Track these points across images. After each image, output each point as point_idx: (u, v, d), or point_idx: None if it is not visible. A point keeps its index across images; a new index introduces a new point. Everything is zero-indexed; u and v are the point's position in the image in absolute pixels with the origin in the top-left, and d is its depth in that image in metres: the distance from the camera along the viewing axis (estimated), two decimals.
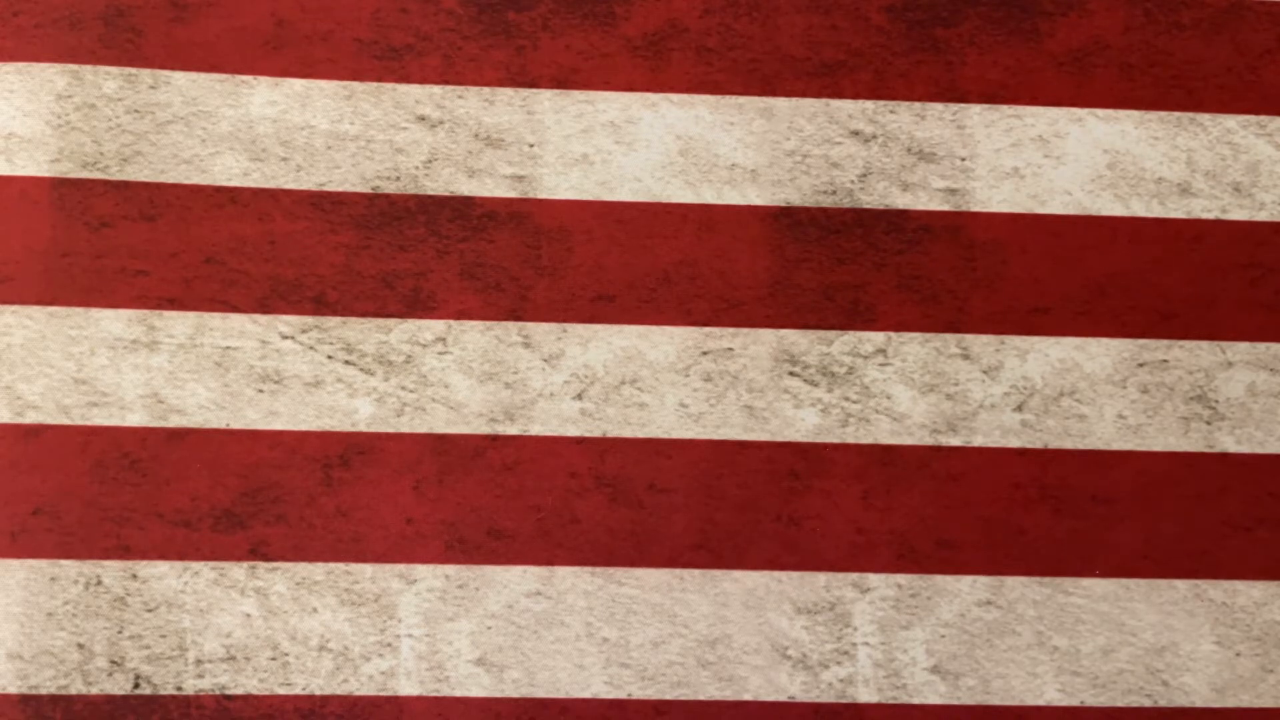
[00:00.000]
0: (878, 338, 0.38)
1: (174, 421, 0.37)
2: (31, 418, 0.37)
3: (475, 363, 0.37)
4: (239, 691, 0.36)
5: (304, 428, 0.37)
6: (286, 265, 0.38)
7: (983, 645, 0.36)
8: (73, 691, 0.36)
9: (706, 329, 0.38)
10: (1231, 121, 0.39)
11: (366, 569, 0.36)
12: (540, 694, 0.36)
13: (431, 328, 0.37)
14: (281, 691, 0.36)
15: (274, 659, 0.36)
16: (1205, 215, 0.39)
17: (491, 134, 0.38)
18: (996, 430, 0.36)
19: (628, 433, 0.37)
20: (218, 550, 0.36)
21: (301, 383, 0.37)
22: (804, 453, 0.37)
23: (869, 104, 0.39)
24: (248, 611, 0.36)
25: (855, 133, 0.39)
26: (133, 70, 0.38)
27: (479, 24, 0.39)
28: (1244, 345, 0.37)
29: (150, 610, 0.36)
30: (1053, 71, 0.39)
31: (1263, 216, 0.39)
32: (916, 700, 0.36)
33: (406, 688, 0.36)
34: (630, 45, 0.39)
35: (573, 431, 0.37)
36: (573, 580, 0.36)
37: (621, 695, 0.36)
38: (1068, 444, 0.36)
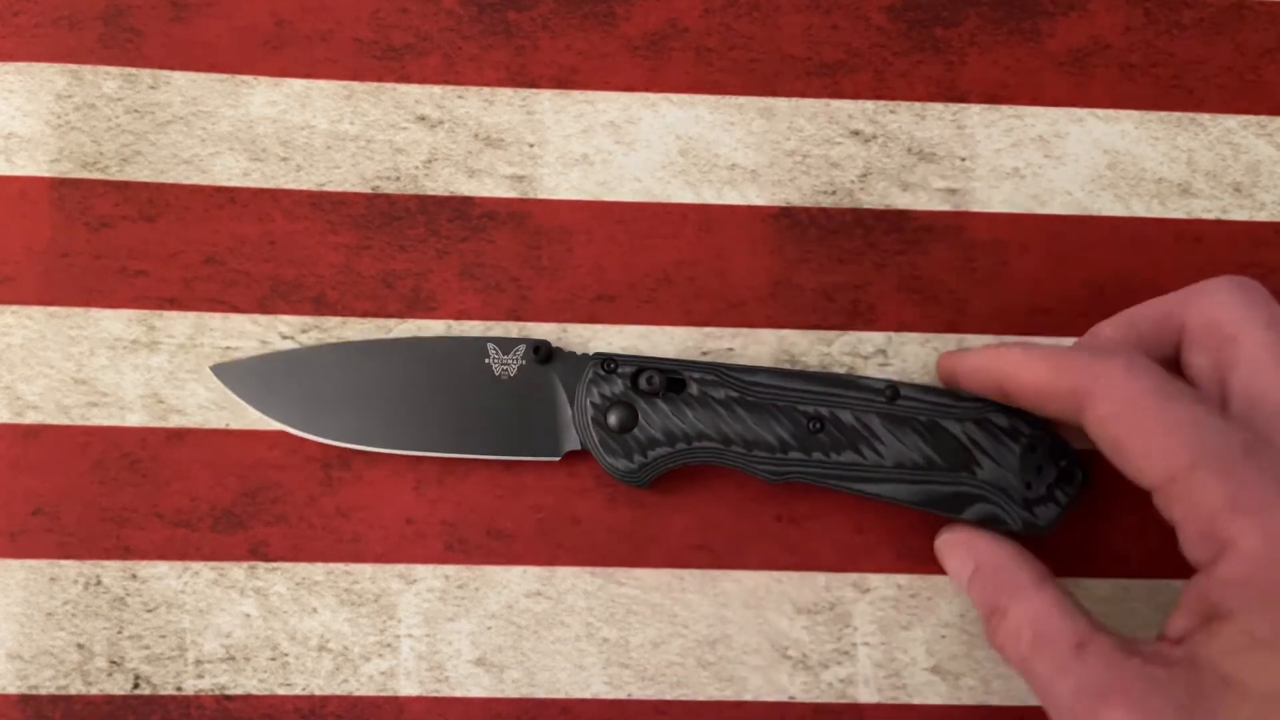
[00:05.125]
0: (878, 338, 0.38)
1: (174, 421, 0.37)
2: (31, 418, 0.37)
3: None
4: (239, 691, 0.36)
5: None
6: (286, 265, 0.38)
7: (983, 645, 0.36)
8: (73, 691, 0.36)
9: (706, 329, 0.38)
10: (1232, 121, 0.39)
11: (366, 569, 0.36)
12: (540, 694, 0.36)
13: (431, 328, 0.37)
14: (281, 691, 0.36)
15: (274, 659, 0.36)
16: (1205, 215, 0.39)
17: (491, 134, 0.38)
18: None
19: None
20: (218, 550, 0.36)
21: None
22: None
23: (869, 104, 0.39)
24: (247, 611, 0.36)
25: (855, 133, 0.39)
26: (133, 70, 0.38)
27: (479, 24, 0.39)
28: None
29: (150, 610, 0.36)
30: (1053, 71, 0.39)
31: (1263, 216, 0.39)
32: (917, 700, 0.36)
33: (406, 688, 0.36)
34: (630, 45, 0.39)
35: None
36: (573, 580, 0.36)
37: (622, 695, 0.36)
38: None
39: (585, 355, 0.36)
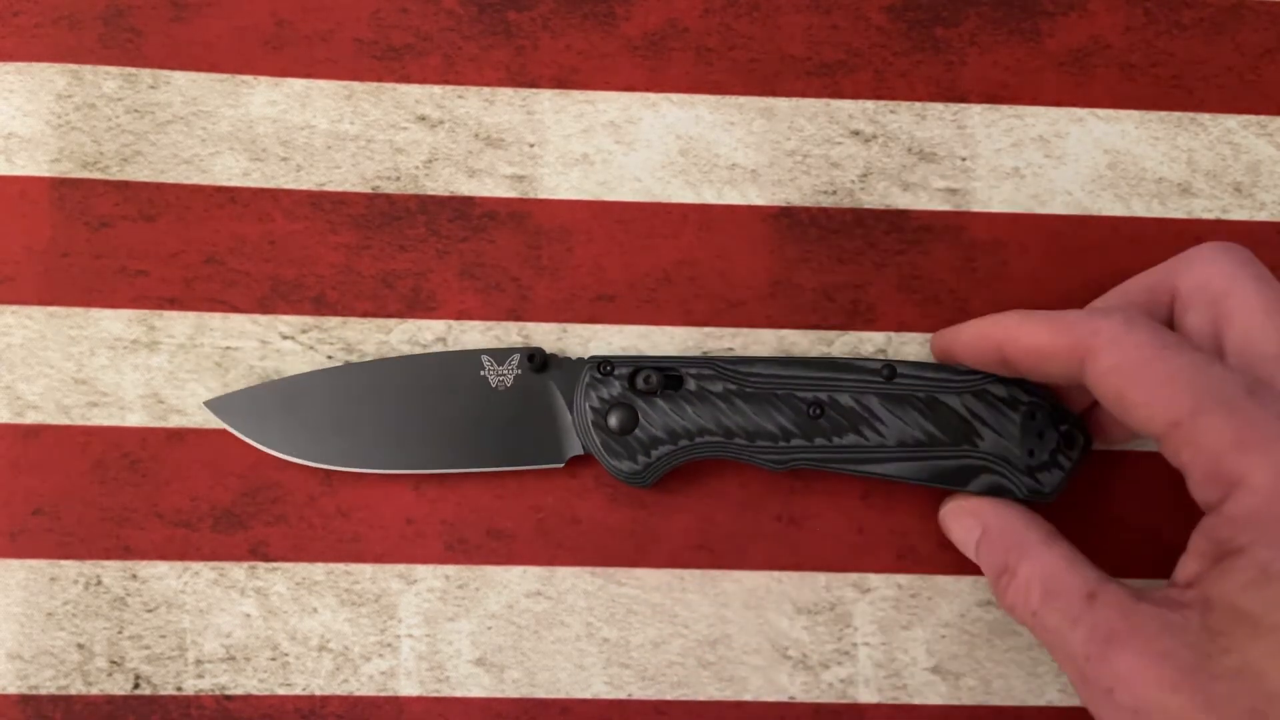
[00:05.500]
0: (878, 338, 0.38)
1: (174, 421, 0.37)
2: (31, 418, 0.37)
3: None
4: (239, 691, 0.36)
5: None
6: (286, 265, 0.38)
7: (983, 645, 0.36)
8: (73, 691, 0.36)
9: (706, 329, 0.38)
10: (1231, 121, 0.39)
11: (366, 569, 0.36)
12: (540, 694, 0.36)
13: (431, 328, 0.37)
14: (281, 691, 0.36)
15: (274, 659, 0.36)
16: (1205, 215, 0.39)
17: (491, 134, 0.38)
18: None
19: None
20: (218, 550, 0.36)
21: None
22: None
23: (869, 104, 0.39)
24: (248, 611, 0.36)
25: (855, 133, 0.39)
26: (133, 70, 0.38)
27: (479, 24, 0.39)
28: None
29: (150, 610, 0.36)
30: (1053, 71, 0.39)
31: (1263, 216, 0.39)
32: (917, 700, 0.36)
33: (406, 688, 0.36)
34: (630, 45, 0.39)
35: None
36: (573, 580, 0.36)
37: (622, 695, 0.36)
38: None
39: (580, 359, 0.36)
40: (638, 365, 0.35)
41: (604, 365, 0.35)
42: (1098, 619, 0.28)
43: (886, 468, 0.34)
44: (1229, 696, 0.25)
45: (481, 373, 0.35)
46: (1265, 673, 0.24)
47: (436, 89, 0.39)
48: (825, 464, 0.34)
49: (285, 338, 0.37)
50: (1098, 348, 0.29)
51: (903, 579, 0.37)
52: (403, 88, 0.39)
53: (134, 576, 0.36)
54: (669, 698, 0.36)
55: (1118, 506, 0.37)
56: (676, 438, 0.35)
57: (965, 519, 0.33)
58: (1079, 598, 0.29)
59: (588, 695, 0.36)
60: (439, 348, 0.37)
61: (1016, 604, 0.31)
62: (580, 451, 0.35)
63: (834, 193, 0.38)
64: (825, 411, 0.34)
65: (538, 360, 0.35)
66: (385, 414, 0.35)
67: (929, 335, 0.37)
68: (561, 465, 0.36)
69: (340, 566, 0.36)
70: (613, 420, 0.35)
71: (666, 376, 0.35)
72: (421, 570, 0.36)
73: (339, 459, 0.35)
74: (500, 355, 0.36)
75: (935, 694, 0.36)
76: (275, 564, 0.36)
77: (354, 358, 0.37)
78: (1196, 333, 0.31)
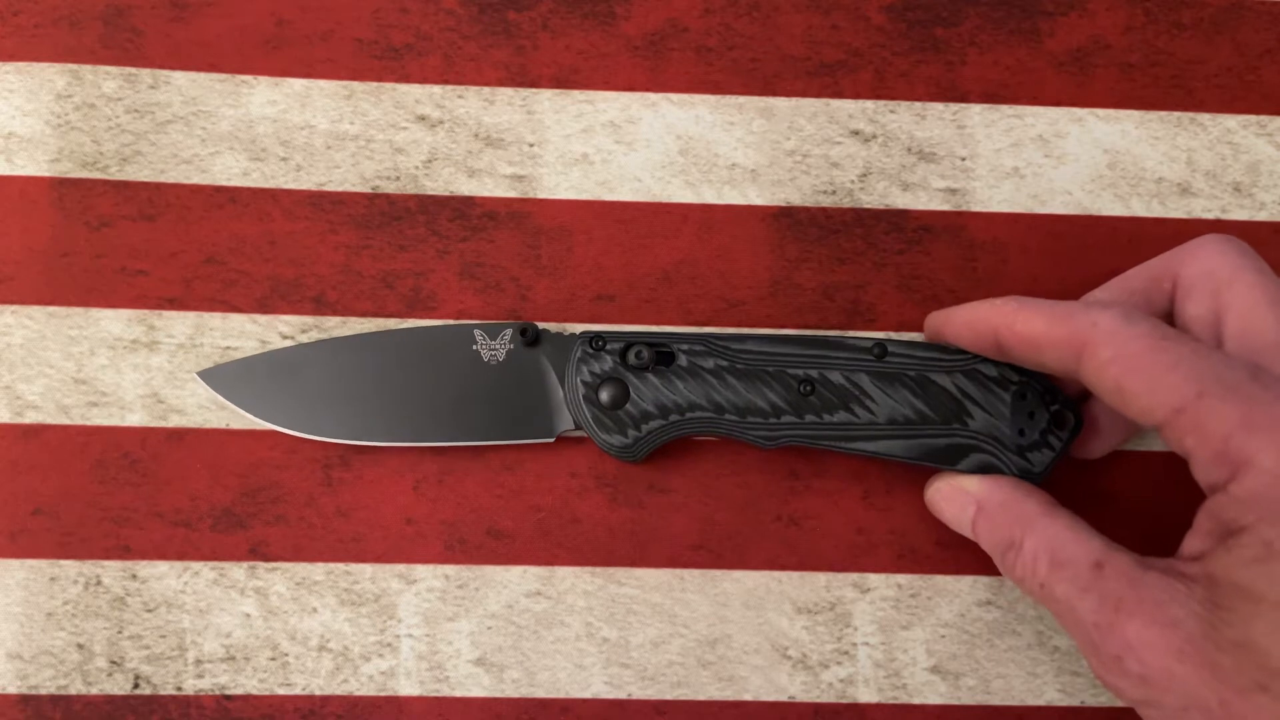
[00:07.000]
0: (877, 337, 0.38)
1: (174, 421, 0.37)
2: (31, 418, 0.37)
3: None
4: (239, 691, 0.36)
5: None
6: (286, 265, 0.38)
7: (983, 645, 0.36)
8: (72, 691, 0.36)
9: (706, 328, 0.38)
10: (1231, 121, 0.39)
11: (366, 569, 0.36)
12: (540, 694, 0.36)
13: None
14: (281, 691, 0.36)
15: (274, 659, 0.36)
16: (1205, 215, 0.39)
17: (491, 134, 0.38)
18: None
19: None
20: (218, 550, 0.36)
21: None
22: (804, 452, 0.37)
23: (869, 104, 0.39)
24: (247, 611, 0.36)
25: (855, 132, 0.39)
26: (133, 70, 0.38)
27: (479, 24, 0.39)
28: None
29: (150, 610, 0.36)
30: (1053, 71, 0.39)
31: (1263, 216, 0.39)
32: (916, 700, 0.36)
33: (406, 688, 0.36)
34: (630, 45, 0.39)
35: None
36: (573, 580, 0.36)
37: (622, 695, 0.36)
38: None
39: (572, 335, 0.36)
40: (630, 340, 0.35)
41: (596, 340, 0.35)
42: (1106, 588, 0.28)
43: (876, 445, 0.34)
44: (1234, 668, 0.25)
45: (474, 347, 0.36)
46: (1269, 649, 0.25)
47: (436, 89, 0.39)
48: (815, 441, 0.34)
49: (285, 338, 0.37)
50: (1096, 340, 0.29)
51: (902, 579, 0.37)
52: (403, 88, 0.39)
53: (134, 576, 0.36)
54: (669, 698, 0.36)
55: (1108, 503, 0.37)
56: (667, 413, 0.35)
57: (956, 497, 0.33)
58: (1086, 567, 0.29)
59: (588, 695, 0.36)
60: None
61: (1025, 577, 0.31)
62: (571, 426, 0.36)
63: (834, 193, 0.38)
64: (816, 388, 0.34)
65: (530, 335, 0.36)
66: (377, 387, 0.36)
67: None
68: (552, 440, 0.36)
69: (340, 566, 0.36)
70: (604, 395, 0.35)
71: (658, 352, 0.35)
72: (421, 570, 0.36)
73: (329, 430, 0.35)
74: (493, 330, 0.36)
75: (935, 694, 0.36)
76: (275, 564, 0.36)
77: None
78: (1196, 320, 0.31)
